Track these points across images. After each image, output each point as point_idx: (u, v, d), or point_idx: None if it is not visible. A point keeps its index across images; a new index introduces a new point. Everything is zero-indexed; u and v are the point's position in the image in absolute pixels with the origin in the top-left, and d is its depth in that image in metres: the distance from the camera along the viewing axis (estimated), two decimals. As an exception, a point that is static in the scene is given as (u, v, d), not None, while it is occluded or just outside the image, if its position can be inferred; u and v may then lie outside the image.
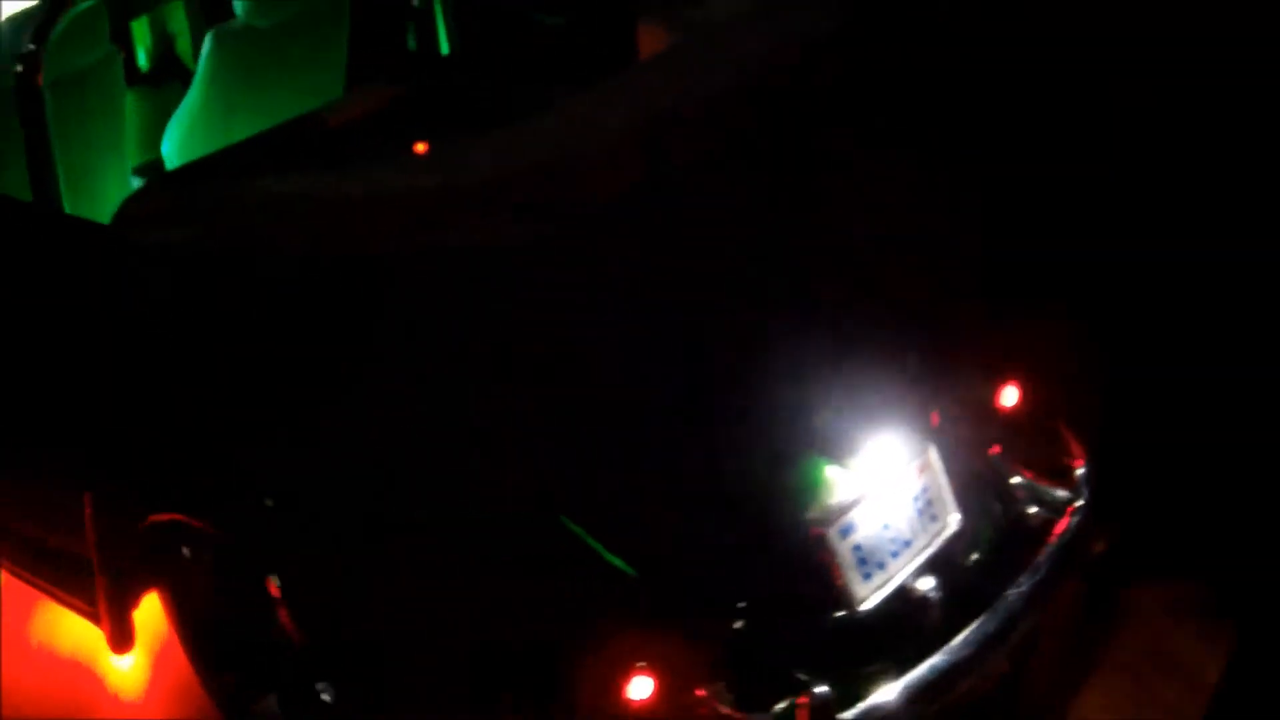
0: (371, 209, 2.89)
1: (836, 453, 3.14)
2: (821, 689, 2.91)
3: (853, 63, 3.30)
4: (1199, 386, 3.78)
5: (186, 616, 3.48)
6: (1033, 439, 3.53)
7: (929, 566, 3.20)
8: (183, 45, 5.02)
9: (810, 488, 3.11)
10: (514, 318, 2.99)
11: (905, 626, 3.14)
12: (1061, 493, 3.41)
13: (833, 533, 3.08)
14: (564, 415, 3.00)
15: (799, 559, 3.06)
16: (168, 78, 5.00)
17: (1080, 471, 3.40)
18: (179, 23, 5.00)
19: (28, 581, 3.86)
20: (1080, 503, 3.38)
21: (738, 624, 3.02)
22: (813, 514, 3.09)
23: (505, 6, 4.24)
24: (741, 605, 3.01)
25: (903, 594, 3.15)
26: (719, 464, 3.07)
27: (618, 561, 2.96)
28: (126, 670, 3.91)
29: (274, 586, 3.25)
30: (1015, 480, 3.42)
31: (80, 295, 3.28)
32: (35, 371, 3.46)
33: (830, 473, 3.14)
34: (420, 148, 3.58)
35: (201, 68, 4.09)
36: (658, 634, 2.95)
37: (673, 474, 3.04)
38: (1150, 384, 3.76)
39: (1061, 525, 3.34)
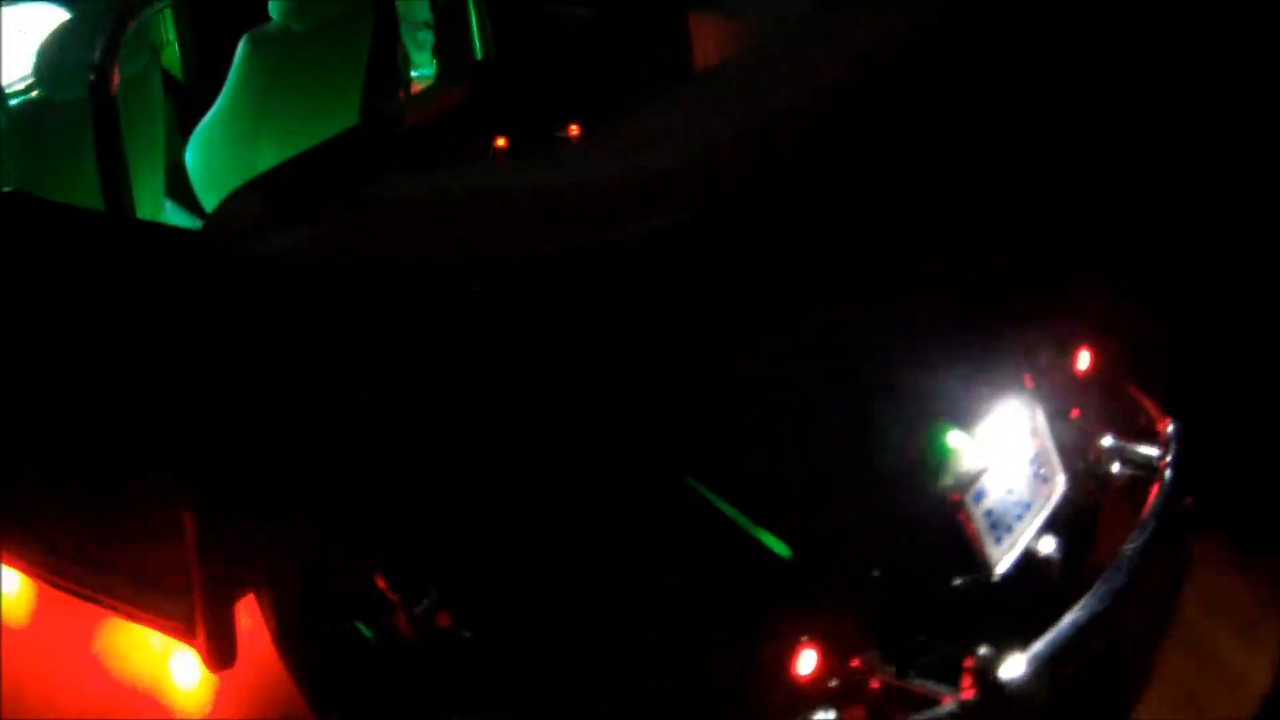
0: (540, 206, 2.87)
1: (962, 421, 3.21)
2: (984, 650, 2.97)
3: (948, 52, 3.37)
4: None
5: (290, 629, 3.41)
6: (1110, 402, 3.65)
7: (1047, 527, 3.29)
8: (169, 55, 4.91)
9: (943, 456, 3.17)
10: (658, 302, 3.01)
11: (1036, 586, 3.22)
12: (1151, 450, 3.51)
13: (969, 499, 3.15)
14: (711, 398, 3.04)
15: (940, 526, 3.12)
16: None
17: (1170, 429, 3.51)
18: (166, 32, 4.89)
19: (93, 601, 3.74)
20: (1170, 458, 3.50)
21: (888, 592, 3.08)
22: (949, 481, 3.15)
23: (533, 2, 4.23)
24: (890, 574, 3.06)
25: (1029, 555, 3.23)
26: (858, 438, 3.12)
27: (769, 539, 2.99)
28: (193, 689, 3.82)
29: (386, 586, 3.22)
30: (1106, 441, 3.53)
31: (182, 309, 3.20)
32: (123, 392, 3.36)
33: (957, 440, 3.20)
34: (500, 143, 3.57)
35: (236, 71, 4.03)
36: (815, 607, 3.01)
37: (818, 451, 3.08)
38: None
39: (1159, 481, 3.45)
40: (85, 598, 3.75)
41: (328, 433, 3.14)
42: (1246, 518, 3.95)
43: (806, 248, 3.22)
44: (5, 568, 4.08)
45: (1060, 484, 3.37)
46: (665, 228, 2.94)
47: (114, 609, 3.69)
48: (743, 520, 2.98)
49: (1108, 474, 3.54)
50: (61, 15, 4.42)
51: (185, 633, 3.49)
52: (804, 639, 2.94)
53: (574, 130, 3.59)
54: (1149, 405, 3.65)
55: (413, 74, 5.03)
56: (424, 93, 3.78)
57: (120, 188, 3.35)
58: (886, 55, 3.27)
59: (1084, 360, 3.60)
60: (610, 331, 3.05)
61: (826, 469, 3.10)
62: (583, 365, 3.03)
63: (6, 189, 3.53)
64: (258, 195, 3.27)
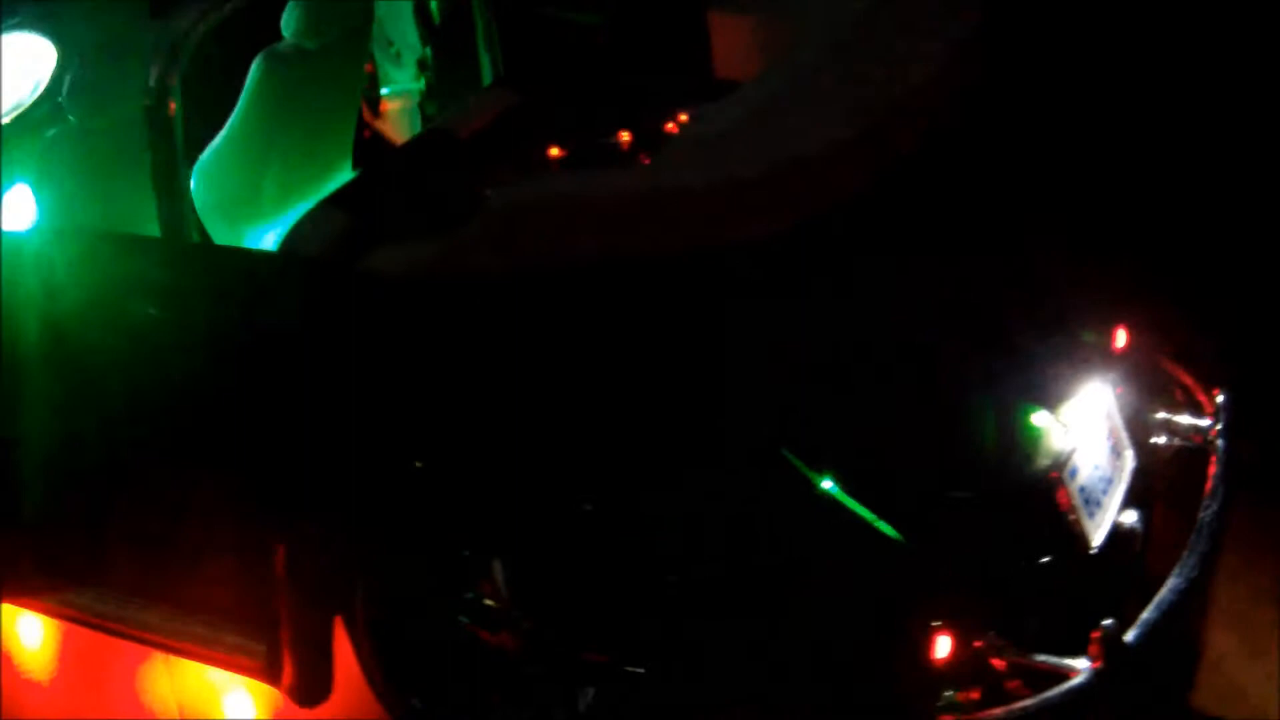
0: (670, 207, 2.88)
1: (1049, 402, 3.29)
2: (1108, 621, 3.04)
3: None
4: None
5: (382, 653, 3.33)
6: (1148, 376, 3.77)
7: (1127, 500, 3.39)
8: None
9: (1036, 437, 3.25)
10: (780, 297, 3.04)
11: (1129, 557, 3.32)
12: (1202, 421, 3.64)
13: (1065, 476, 3.23)
14: (834, 393, 3.07)
15: (1042, 505, 3.19)
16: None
17: (1221, 398, 3.64)
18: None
19: (148, 643, 3.61)
20: (1221, 427, 3.62)
21: (998, 572, 3.14)
22: (1044, 461, 3.23)
23: (534, 10, 4.20)
24: (999, 553, 3.13)
25: (1117, 528, 3.33)
26: (961, 425, 3.19)
27: (881, 524, 3.03)
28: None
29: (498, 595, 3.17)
30: (1159, 414, 3.64)
31: (281, 333, 3.11)
32: (209, 418, 3.25)
33: (1043, 420, 3.28)
34: (554, 152, 3.56)
35: (249, 91, 3.93)
36: (939, 591, 3.06)
37: (915, 437, 3.13)
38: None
39: (1215, 451, 3.57)
40: (137, 639, 3.63)
41: (446, 444, 3.09)
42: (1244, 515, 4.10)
43: (890, 246, 3.27)
44: (31, 615, 3.95)
45: (1129, 458, 3.47)
46: (784, 229, 2.97)
47: (175, 650, 3.58)
48: (859, 508, 3.03)
49: (1157, 446, 3.66)
50: (43, 44, 4.28)
51: (264, 671, 3.40)
52: (937, 624, 3.00)
53: (625, 137, 3.58)
54: (1185, 378, 3.78)
55: (385, 90, 5.01)
56: (470, 104, 3.73)
57: (181, 213, 3.27)
58: (954, 57, 3.34)
59: (1121, 338, 3.73)
60: (715, 321, 3.06)
61: (925, 453, 3.15)
62: (693, 354, 3.03)
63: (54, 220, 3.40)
64: (338, 212, 3.21)
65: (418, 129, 4.72)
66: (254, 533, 3.26)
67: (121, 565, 3.54)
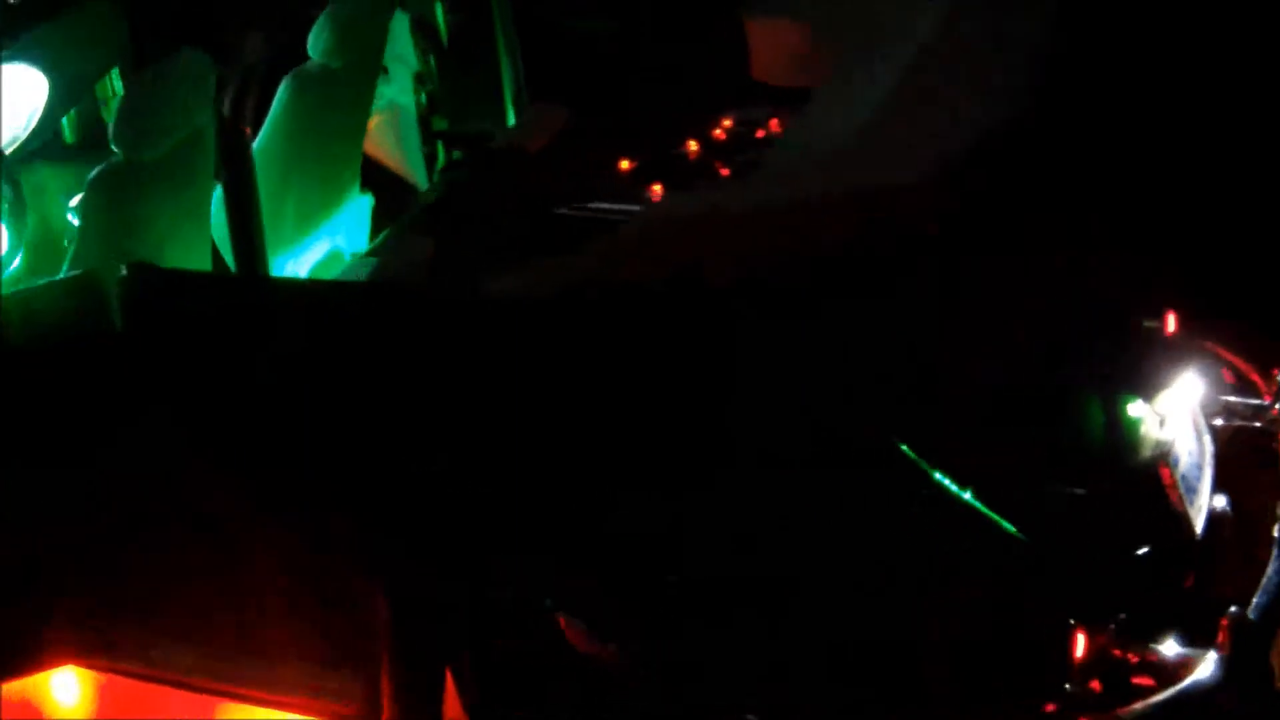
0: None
1: (1146, 391, 3.31)
2: (1234, 608, 3.06)
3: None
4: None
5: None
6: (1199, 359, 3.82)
7: (1215, 485, 3.43)
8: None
9: (1139, 428, 3.26)
10: (892, 300, 3.02)
11: (1223, 541, 3.35)
12: (1262, 402, 3.69)
13: (1170, 464, 3.25)
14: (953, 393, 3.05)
15: (1151, 494, 3.21)
16: (95, 147, 4.54)
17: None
18: (105, 89, 4.55)
19: (224, 694, 3.46)
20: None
21: (1115, 564, 3.14)
22: (1148, 452, 3.24)
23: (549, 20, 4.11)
24: (1124, 546, 3.13)
25: (1212, 512, 3.36)
26: (1071, 420, 3.19)
27: (1009, 527, 3.02)
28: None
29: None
30: (1218, 397, 3.69)
31: (384, 365, 2.99)
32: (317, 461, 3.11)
33: (1139, 411, 3.30)
34: (624, 164, 3.49)
35: (277, 113, 3.78)
36: (1067, 588, 3.05)
37: (1041, 437, 3.13)
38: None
39: (1280, 429, 3.63)
40: (209, 690, 3.48)
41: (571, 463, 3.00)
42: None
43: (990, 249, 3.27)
44: (71, 671, 3.76)
45: (1208, 443, 3.51)
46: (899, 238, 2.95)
47: (253, 699, 3.43)
48: (981, 506, 3.01)
49: (1216, 428, 3.71)
50: (35, 75, 4.08)
51: (363, 717, 3.27)
52: (1073, 621, 2.99)
53: (693, 146, 3.53)
54: (1236, 360, 3.83)
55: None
56: (525, 121, 3.64)
57: (256, 247, 3.13)
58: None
59: (1171, 323, 3.77)
60: (837, 324, 3.03)
61: (1038, 449, 3.15)
62: (816, 356, 2.99)
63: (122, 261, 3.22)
64: (424, 237, 3.10)
65: (412, 144, 4.62)
66: (347, 571, 3.15)
67: (198, 616, 3.38)
